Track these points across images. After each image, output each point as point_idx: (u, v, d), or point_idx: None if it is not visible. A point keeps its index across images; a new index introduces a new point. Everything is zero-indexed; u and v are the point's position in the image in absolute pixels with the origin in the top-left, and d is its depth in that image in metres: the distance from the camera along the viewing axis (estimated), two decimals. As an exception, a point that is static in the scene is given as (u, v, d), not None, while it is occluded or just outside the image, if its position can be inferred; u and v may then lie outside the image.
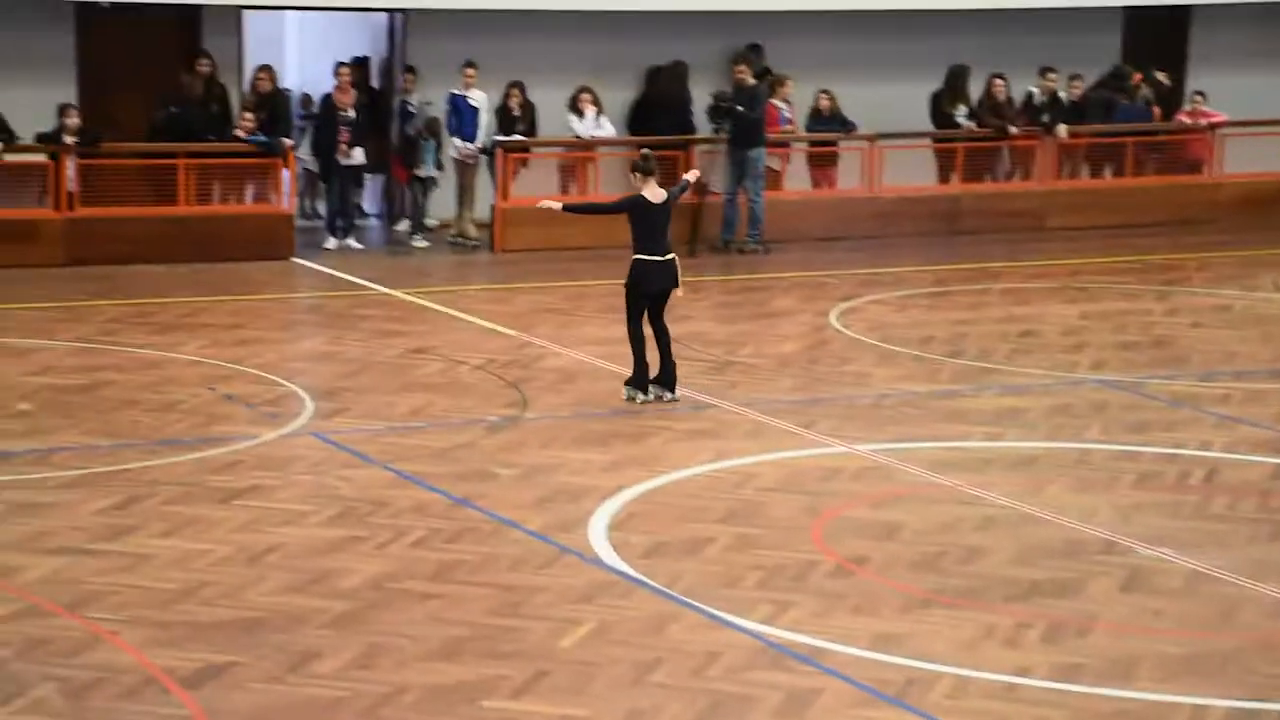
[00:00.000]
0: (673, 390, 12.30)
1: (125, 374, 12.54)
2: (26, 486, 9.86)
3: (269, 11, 19.01)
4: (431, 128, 18.20)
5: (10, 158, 16.65)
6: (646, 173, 12.22)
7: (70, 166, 16.66)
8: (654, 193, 12.16)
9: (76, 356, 13.02)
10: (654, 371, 12.29)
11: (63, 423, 11.23)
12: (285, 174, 17.50)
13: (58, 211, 16.69)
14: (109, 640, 7.71)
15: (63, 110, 16.72)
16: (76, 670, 7.39)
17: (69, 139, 16.65)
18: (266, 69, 17.81)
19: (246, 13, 18.42)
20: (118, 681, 7.31)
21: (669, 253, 12.22)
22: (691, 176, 13.07)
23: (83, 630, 7.80)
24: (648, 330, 12.27)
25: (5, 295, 15.18)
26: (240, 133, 17.40)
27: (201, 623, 7.95)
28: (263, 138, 17.30)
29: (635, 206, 12.18)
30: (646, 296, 12.19)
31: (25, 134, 16.68)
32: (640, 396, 12.24)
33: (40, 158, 16.76)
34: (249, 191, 17.66)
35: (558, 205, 12.81)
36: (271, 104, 17.64)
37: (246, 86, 18.05)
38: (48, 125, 16.73)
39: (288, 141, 17.49)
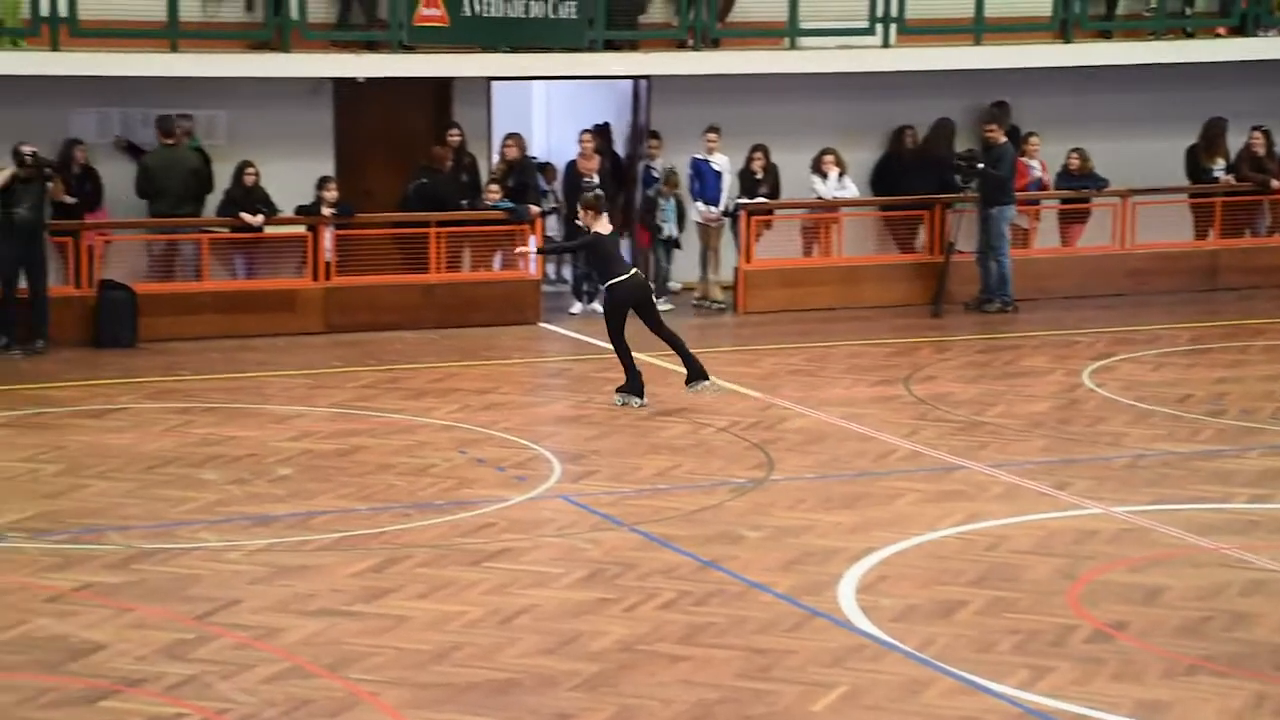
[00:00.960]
0: (707, 378, 13.66)
1: (380, 439, 12.83)
2: (288, 549, 10.14)
3: (517, 82, 19.41)
4: (670, 180, 18.35)
5: (272, 230, 17.27)
6: (599, 210, 13.75)
7: (327, 237, 17.21)
8: (604, 226, 13.72)
9: (334, 422, 13.38)
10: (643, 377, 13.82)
11: (321, 487, 11.52)
12: (532, 240, 17.81)
13: (316, 281, 17.23)
14: (369, 701, 7.87)
15: (321, 183, 17.30)
16: (338, 729, 7.56)
17: (326, 211, 17.20)
18: (515, 137, 18.17)
19: (495, 83, 18.85)
20: (377, 740, 7.45)
21: (633, 268, 13.89)
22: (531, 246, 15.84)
23: (344, 691, 7.97)
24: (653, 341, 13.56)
25: (267, 363, 15.72)
26: (488, 200, 17.79)
27: (456, 684, 8.07)
28: (509, 204, 17.65)
29: (594, 243, 13.72)
30: (625, 313, 13.54)
31: (286, 207, 17.30)
32: (636, 402, 13.67)
33: (300, 229, 17.35)
34: (497, 258, 18.02)
35: (532, 249, 15.84)
36: (520, 171, 17.99)
37: (495, 155, 18.45)
38: (307, 198, 17.32)
39: (535, 209, 17.80)
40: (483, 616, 9.00)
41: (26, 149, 15.68)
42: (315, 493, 11.38)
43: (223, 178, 17.31)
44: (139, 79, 17.07)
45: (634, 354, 13.80)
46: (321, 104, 18.19)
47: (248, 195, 17.06)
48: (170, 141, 17.21)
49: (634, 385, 13.71)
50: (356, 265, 17.29)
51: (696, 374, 13.65)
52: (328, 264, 17.20)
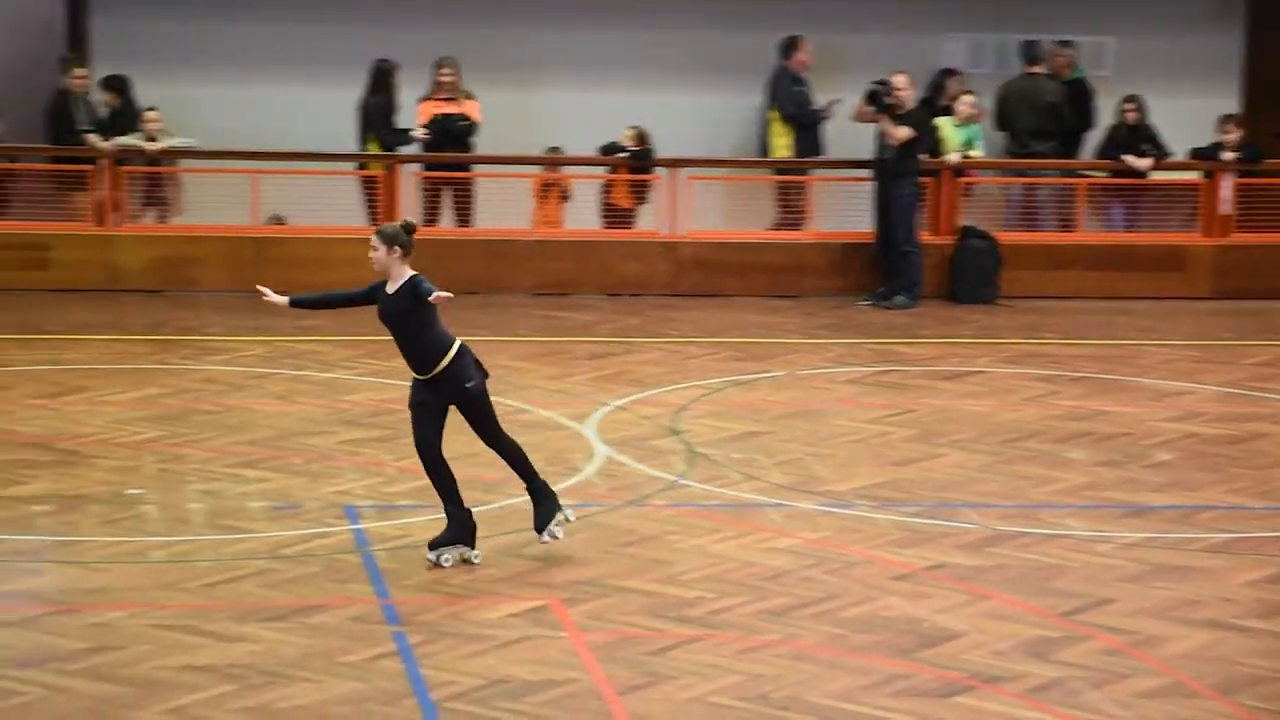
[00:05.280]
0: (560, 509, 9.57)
1: (1280, 427, 12.54)
2: (1167, 546, 10.05)
3: None
4: None
5: (1159, 176, 17.15)
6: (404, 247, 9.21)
7: (1226, 186, 16.89)
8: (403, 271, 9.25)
9: (1224, 404, 13.15)
10: None
11: (1208, 478, 11.36)
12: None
13: (1208, 237, 16.96)
14: (1263, 731, 7.71)
15: (1222, 122, 16.98)
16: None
17: (1227, 155, 16.87)
18: None
19: None
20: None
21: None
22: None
23: (1235, 718, 7.83)
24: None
25: (1144, 329, 15.67)
26: None
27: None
28: None
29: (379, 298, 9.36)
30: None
31: (1178, 149, 17.10)
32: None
33: (1192, 176, 17.12)
34: None
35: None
36: None
37: None
38: (1199, 140, 17.06)
39: None
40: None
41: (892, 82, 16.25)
42: (1200, 484, 11.25)
43: (1107, 114, 17.35)
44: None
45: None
46: (1230, 26, 17.84)
47: (1133, 135, 17.01)
48: (1033, 70, 17.43)
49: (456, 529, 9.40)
50: (1260, 220, 16.89)
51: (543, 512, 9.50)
52: (1224, 217, 16.89)
